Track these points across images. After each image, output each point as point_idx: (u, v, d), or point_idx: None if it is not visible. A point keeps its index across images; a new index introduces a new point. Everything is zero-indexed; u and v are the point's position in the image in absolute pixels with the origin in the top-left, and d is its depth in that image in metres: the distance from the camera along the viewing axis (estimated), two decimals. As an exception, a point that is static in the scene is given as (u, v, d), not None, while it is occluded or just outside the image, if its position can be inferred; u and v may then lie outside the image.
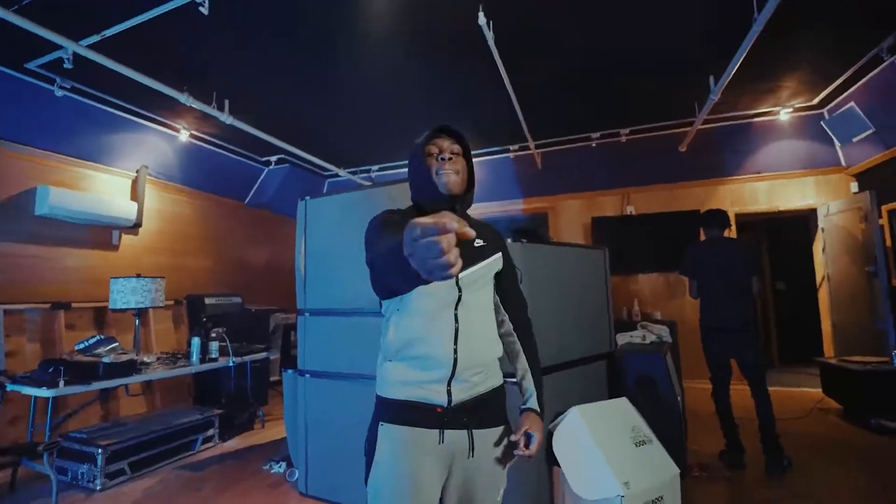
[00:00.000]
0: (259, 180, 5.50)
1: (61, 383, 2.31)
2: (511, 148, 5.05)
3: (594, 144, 4.84)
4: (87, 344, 2.71)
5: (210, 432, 3.29)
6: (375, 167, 5.67)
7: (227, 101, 3.54)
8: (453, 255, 0.48)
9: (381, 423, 0.99)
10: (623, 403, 2.32)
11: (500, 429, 1.06)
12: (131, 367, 2.62)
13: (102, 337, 2.83)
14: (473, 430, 0.99)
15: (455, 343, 0.96)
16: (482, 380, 1.02)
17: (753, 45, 2.77)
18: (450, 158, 1.04)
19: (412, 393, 0.97)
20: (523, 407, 1.10)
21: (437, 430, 0.97)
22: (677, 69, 3.45)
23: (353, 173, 5.72)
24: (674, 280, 4.82)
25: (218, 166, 4.86)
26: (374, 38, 2.91)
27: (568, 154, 5.02)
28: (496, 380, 1.08)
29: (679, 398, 2.66)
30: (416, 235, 0.50)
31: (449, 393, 0.97)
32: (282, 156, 5.06)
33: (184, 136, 4.17)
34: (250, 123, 3.88)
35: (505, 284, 1.13)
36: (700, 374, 3.37)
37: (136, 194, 4.17)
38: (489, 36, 2.64)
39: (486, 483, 1.01)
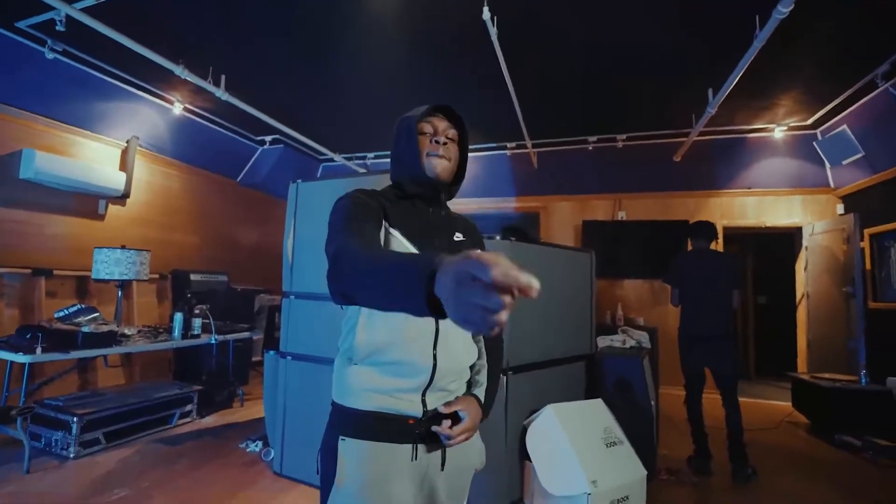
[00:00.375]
0: (252, 159, 5.45)
1: (38, 350, 2.29)
2: (508, 145, 5.07)
3: (591, 148, 4.88)
4: (67, 312, 2.69)
5: (188, 408, 3.30)
6: (371, 154, 5.64)
7: (223, 77, 3.50)
8: (506, 314, 0.39)
9: (341, 437, 0.85)
10: (598, 405, 2.38)
11: (475, 438, 0.98)
12: (111, 338, 2.61)
13: (83, 306, 2.81)
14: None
15: (435, 348, 0.86)
16: (458, 388, 0.94)
17: (753, 61, 2.82)
18: (444, 143, 0.95)
19: (382, 403, 0.85)
20: (468, 392, 0.96)
21: (411, 446, 0.85)
22: (677, 79, 3.49)
23: (349, 159, 5.70)
24: (658, 288, 4.91)
25: (211, 142, 4.80)
26: (376, 26, 2.89)
27: (564, 155, 5.06)
28: (477, 379, 1.01)
29: (653, 403, 2.73)
30: (475, 274, 0.39)
31: (424, 403, 0.86)
32: (276, 136, 5.01)
33: (177, 108, 4.11)
34: (245, 101, 3.84)
35: None
36: (676, 381, 3.45)
37: (125, 165, 4.11)
38: (492, 31, 2.64)
39: (452, 493, 0.92)
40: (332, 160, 5.75)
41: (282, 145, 5.26)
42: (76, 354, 2.43)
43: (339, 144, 5.33)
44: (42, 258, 3.43)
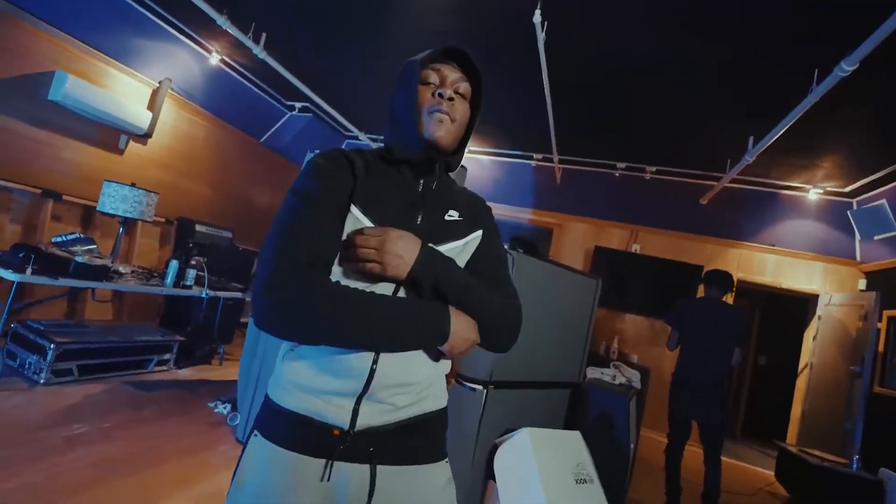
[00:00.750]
0: (279, 123, 5.43)
1: (29, 271, 2.27)
2: (535, 156, 4.98)
3: (617, 174, 4.77)
4: (64, 239, 2.67)
5: (167, 356, 3.28)
6: None
7: (263, 35, 3.46)
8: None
9: (255, 432, 0.74)
10: (575, 437, 2.30)
11: (433, 466, 0.78)
12: (102, 273, 2.58)
13: (82, 236, 2.79)
14: (379, 466, 0.71)
15: (376, 355, 0.70)
16: (410, 401, 0.75)
17: (801, 117, 2.71)
18: (450, 98, 0.77)
19: (307, 405, 0.70)
20: None
21: (323, 461, 0.69)
22: (719, 121, 3.37)
23: (374, 140, 5.65)
24: (659, 328, 4.78)
25: (241, 98, 4.78)
26: (426, 11, 2.83)
27: (589, 176, 4.95)
28: (436, 402, 0.80)
29: (633, 446, 2.64)
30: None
31: (355, 413, 0.70)
32: (306, 104, 4.98)
33: (214, 59, 4.09)
34: (282, 63, 3.81)
35: (483, 273, 0.81)
36: (660, 427, 3.35)
37: (153, 105, 4.11)
38: (540, 36, 2.56)
39: None
40: (356, 138, 5.71)
41: (310, 115, 5.23)
42: (64, 282, 2.41)
43: (366, 123, 5.29)
44: (54, 181, 3.44)
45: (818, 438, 4.15)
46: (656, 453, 3.33)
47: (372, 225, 0.73)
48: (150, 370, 3.16)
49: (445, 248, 0.77)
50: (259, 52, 3.52)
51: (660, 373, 4.27)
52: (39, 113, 3.33)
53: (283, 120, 5.41)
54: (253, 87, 4.71)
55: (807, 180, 4.01)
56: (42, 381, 2.52)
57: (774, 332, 5.91)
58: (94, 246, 2.77)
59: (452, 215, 0.82)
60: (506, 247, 1.79)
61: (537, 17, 2.43)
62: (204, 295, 3.15)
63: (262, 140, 5.54)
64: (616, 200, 5.03)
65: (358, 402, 0.71)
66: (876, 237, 4.01)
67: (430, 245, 0.74)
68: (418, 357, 0.74)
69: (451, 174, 0.88)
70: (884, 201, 3.78)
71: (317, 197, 0.71)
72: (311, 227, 0.68)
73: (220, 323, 3.84)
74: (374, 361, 0.69)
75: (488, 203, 0.94)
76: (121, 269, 2.97)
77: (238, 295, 3.62)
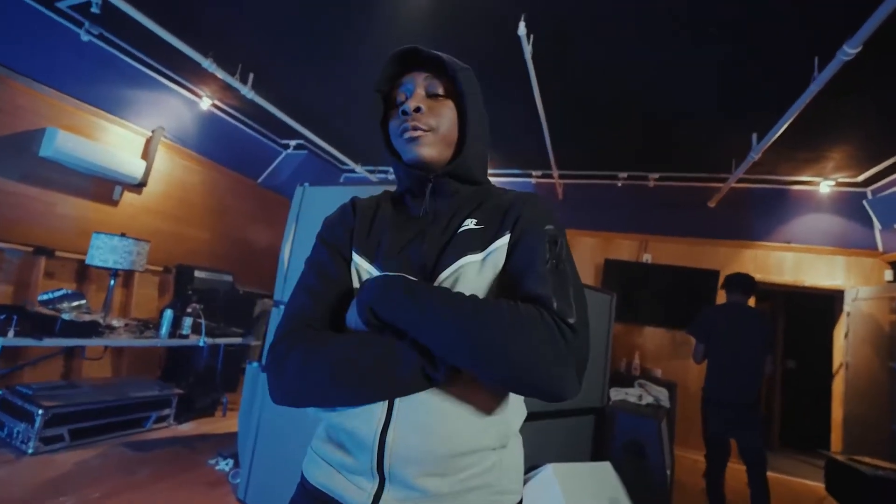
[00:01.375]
0: (275, 162, 5.40)
1: (11, 333, 2.14)
2: (534, 173, 4.88)
3: (620, 184, 4.64)
4: (51, 296, 2.56)
5: (165, 411, 3.10)
6: (392, 168, 5.54)
7: (251, 75, 3.44)
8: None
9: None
10: (606, 469, 2.08)
11: None
12: (92, 329, 2.45)
13: (70, 291, 2.68)
14: None
15: (387, 417, 0.57)
16: (450, 489, 0.57)
17: (805, 108, 2.58)
18: (416, 109, 0.67)
19: (327, 479, 0.61)
20: None
21: None
22: (720, 120, 3.26)
23: (371, 171, 5.60)
24: (681, 339, 4.53)
25: (235, 140, 4.76)
26: (409, 36, 2.78)
27: (591, 189, 4.83)
28: (497, 495, 0.60)
29: (669, 472, 2.40)
30: None
31: (377, 498, 0.56)
32: (301, 141, 4.95)
33: (205, 103, 4.08)
34: (272, 102, 3.78)
35: (514, 285, 0.60)
36: (694, 445, 3.09)
37: (147, 154, 4.07)
38: (527, 49, 2.49)
39: None
40: (353, 171, 5.66)
41: (305, 151, 5.20)
42: (51, 342, 2.28)
43: (361, 155, 5.25)
44: (46, 237, 3.36)
45: (865, 444, 3.83)
46: (691, 473, 3.07)
47: (372, 267, 0.67)
48: (149, 428, 2.98)
49: (457, 266, 0.62)
50: (247, 92, 3.49)
51: (686, 386, 4.02)
52: (31, 170, 3.29)
53: (280, 159, 5.39)
54: (246, 129, 4.70)
55: (817, 173, 3.86)
56: (30, 451, 2.34)
57: (800, 334, 5.63)
58: (83, 301, 2.66)
59: (470, 224, 0.67)
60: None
61: (522, 30, 2.36)
62: (202, 344, 3.01)
63: (260, 180, 5.50)
64: (622, 211, 4.88)
65: (381, 485, 0.57)
66: None
67: (391, 274, 0.62)
68: (449, 414, 0.56)
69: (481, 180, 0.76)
70: None
71: (320, 259, 0.70)
72: (311, 292, 0.67)
73: (222, 371, 3.67)
74: (385, 426, 0.56)
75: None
76: (114, 322, 2.85)
77: (238, 340, 3.47)
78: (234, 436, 3.08)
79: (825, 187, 3.99)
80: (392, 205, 0.76)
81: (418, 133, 0.67)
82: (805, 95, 2.48)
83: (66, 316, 2.33)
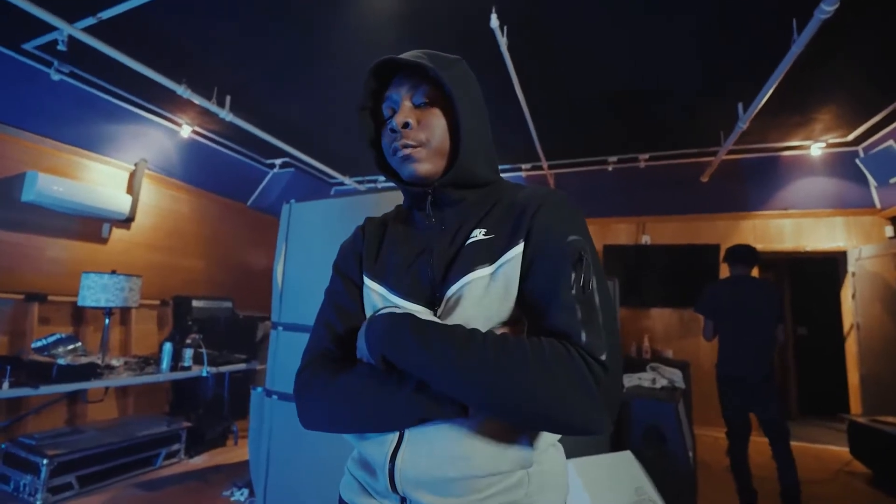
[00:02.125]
0: (263, 183, 5.35)
1: (6, 384, 2.09)
2: (523, 167, 4.83)
3: (610, 169, 4.59)
4: (44, 342, 2.50)
5: (175, 446, 3.04)
6: (381, 177, 5.49)
7: (227, 98, 3.39)
8: None
9: None
10: (627, 458, 2.02)
11: None
12: (90, 372, 2.40)
13: (63, 336, 2.62)
14: None
15: (398, 442, 0.57)
16: None
17: (789, 72, 2.54)
18: (405, 125, 0.63)
19: (359, 497, 0.62)
20: None
21: None
22: (704, 93, 3.21)
23: (360, 182, 5.55)
24: (688, 318, 4.48)
25: (220, 165, 4.70)
26: (382, 40, 2.74)
27: (583, 177, 4.78)
28: (518, 500, 0.56)
29: (691, 455, 2.34)
30: None
31: None
32: (286, 159, 4.90)
33: (186, 131, 4.03)
34: (252, 122, 3.73)
35: (534, 305, 0.57)
36: (713, 422, 3.04)
37: (132, 188, 4.02)
38: (502, 42, 2.44)
39: None
40: (342, 183, 5.62)
41: (292, 169, 5.15)
42: (48, 390, 2.22)
43: (349, 167, 5.20)
44: (38, 282, 3.30)
45: (886, 402, 3.78)
46: (713, 450, 3.02)
47: (385, 291, 0.65)
48: (159, 466, 2.92)
49: (462, 283, 0.59)
50: (226, 115, 3.45)
51: (699, 364, 3.96)
52: (15, 216, 3.23)
53: (267, 179, 5.33)
54: (229, 152, 4.65)
55: (807, 136, 3.82)
56: (38, 503, 2.29)
57: (808, 300, 5.57)
58: (78, 344, 2.60)
59: (478, 235, 0.62)
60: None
61: (494, 23, 2.32)
62: (205, 374, 2.95)
63: (250, 203, 5.45)
64: (615, 196, 4.83)
65: None
66: (891, 180, 3.78)
67: (396, 312, 0.58)
68: (461, 440, 0.55)
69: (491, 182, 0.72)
70: (891, 142, 3.57)
71: (335, 289, 0.72)
72: (327, 323, 0.69)
73: (229, 399, 3.61)
74: (393, 459, 0.57)
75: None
76: (113, 362, 2.79)
77: (242, 366, 3.41)
78: (247, 464, 3.02)
79: (816, 150, 3.95)
80: (400, 221, 0.74)
81: (408, 150, 0.64)
82: (787, 59, 2.44)
83: (61, 361, 2.27)
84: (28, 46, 2.89)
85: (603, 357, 0.50)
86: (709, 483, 2.93)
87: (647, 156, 4.34)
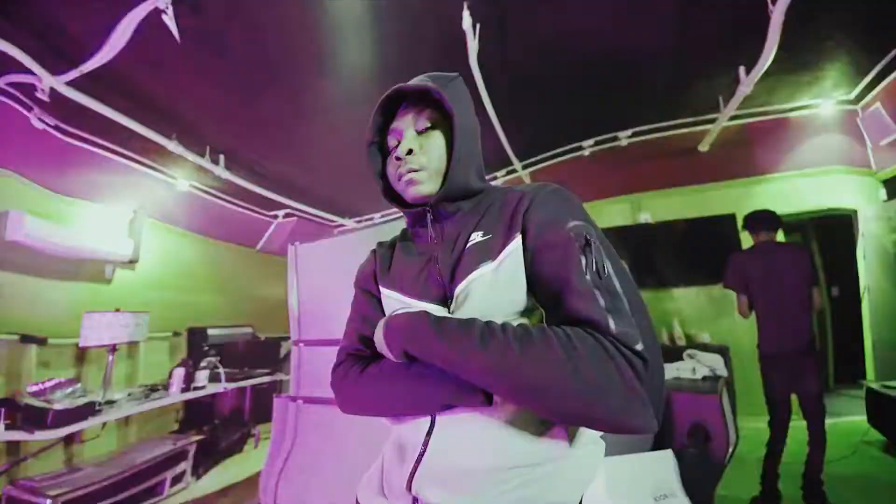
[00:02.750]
0: (269, 232, 5.21)
1: (0, 427, 1.95)
2: (497, 175, 4.61)
3: (588, 153, 4.30)
4: (41, 387, 2.37)
5: (181, 467, 2.89)
6: (377, 215, 5.36)
7: (221, 156, 3.25)
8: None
9: None
10: (661, 459, 1.77)
11: None
12: (87, 411, 2.26)
13: (62, 380, 2.49)
14: None
15: (430, 427, 0.61)
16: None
17: (790, 29, 2.31)
18: (409, 152, 0.69)
19: (373, 499, 0.66)
20: None
21: None
22: (697, 60, 2.98)
23: (359, 222, 5.45)
24: (718, 295, 3.97)
25: (223, 216, 4.53)
26: (358, 84, 2.62)
27: (560, 168, 4.49)
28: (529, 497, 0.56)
29: (731, 449, 2.09)
30: None
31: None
32: (287, 210, 4.77)
33: (182, 185, 3.83)
34: (248, 178, 3.61)
35: (546, 292, 0.58)
36: (753, 411, 2.76)
37: (133, 232, 3.82)
38: (472, 45, 2.26)
39: None
40: (343, 225, 5.49)
41: (295, 218, 5.03)
42: (43, 435, 2.07)
43: (350, 210, 5.11)
44: (37, 325, 3.13)
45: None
46: (750, 442, 2.71)
47: (399, 295, 0.72)
48: (167, 495, 2.74)
49: (468, 281, 0.63)
50: (221, 171, 3.31)
51: (739, 346, 3.59)
52: (5, 255, 2.98)
53: (272, 228, 5.20)
54: (230, 206, 4.48)
55: (816, 95, 3.57)
56: (42, 550, 2.12)
57: (833, 260, 5.15)
58: (77, 386, 2.47)
59: (477, 237, 0.67)
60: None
61: (467, 22, 2.14)
62: (223, 389, 2.87)
63: (259, 247, 5.33)
64: (599, 179, 4.47)
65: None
66: (881, 142, 3.56)
67: (413, 311, 0.63)
68: (486, 438, 0.57)
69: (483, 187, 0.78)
70: (878, 104, 3.38)
71: (358, 301, 0.79)
72: (355, 329, 0.76)
73: (252, 406, 3.63)
74: (426, 444, 0.61)
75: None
76: (116, 395, 2.65)
77: (267, 378, 3.44)
78: (255, 483, 2.81)
79: (825, 108, 3.69)
80: (406, 240, 0.80)
81: (411, 175, 0.70)
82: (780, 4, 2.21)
83: (58, 407, 2.14)
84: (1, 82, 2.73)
85: (639, 347, 0.49)
86: (731, 466, 2.61)
87: (628, 132, 4.06)
